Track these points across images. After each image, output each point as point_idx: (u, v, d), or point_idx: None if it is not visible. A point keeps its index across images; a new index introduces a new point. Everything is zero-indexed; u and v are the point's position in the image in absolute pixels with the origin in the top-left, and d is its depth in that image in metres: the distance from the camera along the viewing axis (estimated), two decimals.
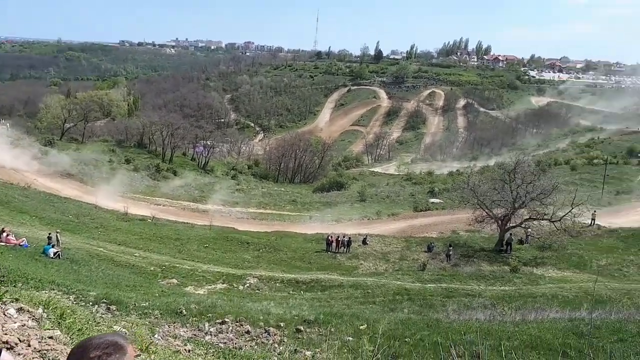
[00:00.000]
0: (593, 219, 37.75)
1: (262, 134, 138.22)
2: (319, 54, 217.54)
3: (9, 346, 5.31)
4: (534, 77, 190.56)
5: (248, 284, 25.43)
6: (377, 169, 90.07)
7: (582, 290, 23.35)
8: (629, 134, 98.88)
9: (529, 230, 35.05)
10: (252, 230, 38.61)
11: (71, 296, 15.25)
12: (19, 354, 5.25)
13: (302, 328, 14.64)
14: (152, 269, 25.87)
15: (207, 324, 14.47)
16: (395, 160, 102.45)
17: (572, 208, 33.02)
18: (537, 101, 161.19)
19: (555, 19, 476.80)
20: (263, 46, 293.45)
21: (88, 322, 8.20)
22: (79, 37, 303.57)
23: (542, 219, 33.58)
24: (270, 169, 79.82)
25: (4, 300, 6.97)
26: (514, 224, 34.07)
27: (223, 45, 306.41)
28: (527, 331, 13.56)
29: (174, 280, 24.52)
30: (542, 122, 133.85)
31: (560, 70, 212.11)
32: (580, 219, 34.19)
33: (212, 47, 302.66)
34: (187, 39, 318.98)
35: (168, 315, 15.00)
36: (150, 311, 14.98)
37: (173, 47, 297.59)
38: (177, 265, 27.46)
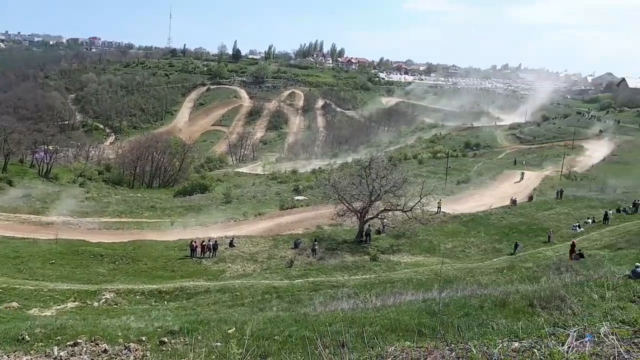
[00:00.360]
0: (439, 207, 41.80)
1: (114, 136, 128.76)
2: (173, 52, 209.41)
3: None
4: (383, 78, 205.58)
5: (104, 300, 23.35)
6: (242, 170, 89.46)
7: (433, 272, 25.62)
8: (465, 130, 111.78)
9: (385, 220, 37.65)
10: (106, 241, 35.41)
11: None
12: None
13: (166, 340, 13.73)
14: None
15: (55, 348, 12.85)
16: (260, 160, 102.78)
17: (421, 198, 36.21)
18: (387, 101, 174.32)
19: (400, 24, 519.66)
20: (111, 42, 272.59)
21: None
22: None
23: (396, 210, 36.35)
24: (125, 173, 74.27)
25: None
26: (372, 216, 36.25)
27: (64, 41, 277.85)
28: (387, 315, 14.25)
29: (14, 304, 21.62)
30: (392, 121, 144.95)
31: (406, 73, 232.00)
32: (428, 207, 37.66)
33: (51, 42, 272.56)
34: (19, 33, 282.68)
35: (7, 344, 13.03)
36: None
37: (2, 40, 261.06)
38: (17, 286, 24.17)
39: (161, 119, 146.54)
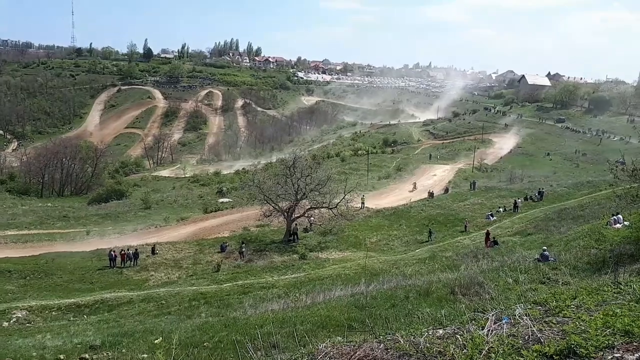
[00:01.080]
0: (363, 203, 42.90)
1: (16, 143, 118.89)
2: (79, 51, 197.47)
3: None
4: (302, 78, 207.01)
5: (15, 319, 21.55)
6: (161, 173, 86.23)
7: (360, 266, 26.24)
8: (383, 127, 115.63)
9: (312, 218, 38.06)
10: (13, 256, 32.73)
11: None
12: None
13: (87, 356, 12.97)
14: None
15: None
16: (180, 163, 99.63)
17: (345, 195, 36.97)
18: (308, 100, 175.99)
19: (316, 23, 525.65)
20: (6, 41, 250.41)
21: None
22: None
23: (322, 207, 36.82)
24: (32, 182, 68.93)
25: None
26: (299, 215, 36.48)
27: None
28: (318, 312, 14.44)
29: None
30: (314, 119, 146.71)
31: (323, 72, 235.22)
32: (353, 203, 38.50)
33: None
34: None
35: None
36: None
37: None
38: None
39: (69, 123, 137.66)
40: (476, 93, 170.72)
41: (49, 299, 24.74)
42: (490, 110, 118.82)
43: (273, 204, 36.13)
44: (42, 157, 71.18)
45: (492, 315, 4.87)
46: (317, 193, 36.23)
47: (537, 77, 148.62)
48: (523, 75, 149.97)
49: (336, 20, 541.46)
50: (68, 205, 54.27)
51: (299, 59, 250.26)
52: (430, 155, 76.99)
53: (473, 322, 5.01)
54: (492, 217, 36.99)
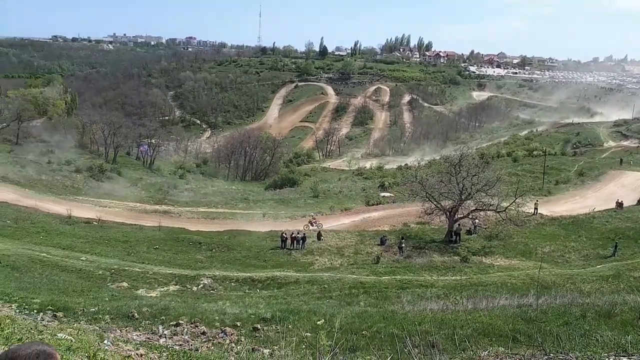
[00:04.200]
0: (536, 208, 39.53)
1: (210, 131, 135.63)
2: (263, 50, 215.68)
3: None
4: (474, 72, 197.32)
5: (202, 285, 24.89)
6: (329, 165, 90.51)
7: (528, 277, 24.40)
8: (564, 126, 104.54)
9: (476, 220, 36.32)
10: (203, 230, 37.78)
11: (13, 305, 14.45)
12: None
13: (259, 326, 14.48)
14: (100, 272, 24.86)
15: (161, 327, 14.07)
16: (346, 156, 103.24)
17: (516, 198, 34.49)
18: (478, 96, 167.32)
19: (490, 15, 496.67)
20: (206, 42, 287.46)
21: (29, 331, 7.71)
22: (5, 32, 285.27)
23: (488, 210, 34.85)
24: (220, 167, 78.45)
25: None
26: (462, 215, 35.14)
27: (164, 41, 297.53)
28: (479, 319, 13.92)
29: (125, 284, 23.70)
30: (484, 116, 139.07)
31: (498, 66, 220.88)
32: (524, 208, 35.75)
33: (152, 43, 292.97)
34: (125, 35, 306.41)
35: (119, 320, 14.50)
36: (100, 316, 14.46)
37: (110, 42, 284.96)
38: (127, 268, 26.50)
39: (253, 115, 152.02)
40: None
41: (230, 271, 27.99)
42: None
43: (435, 202, 35.41)
44: (230, 145, 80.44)
45: None
46: (484, 194, 34.44)
47: None
48: None
49: (512, 12, 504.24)
50: (249, 189, 60.46)
51: (471, 52, 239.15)
52: (622, 159, 67.11)
53: None
54: None
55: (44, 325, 10.02)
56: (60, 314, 14.08)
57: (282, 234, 34.14)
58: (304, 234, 34.26)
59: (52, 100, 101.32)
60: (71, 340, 7.28)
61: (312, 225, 38.56)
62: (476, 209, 35.21)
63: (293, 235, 33.78)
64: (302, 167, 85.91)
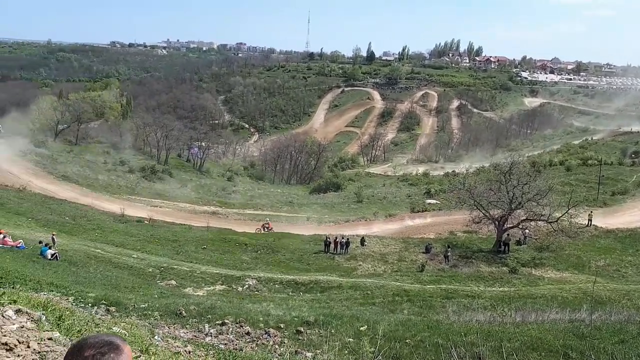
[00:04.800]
0: (590, 220, 37.86)
1: (257, 135, 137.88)
2: (311, 55, 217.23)
3: (8, 348, 5.22)
4: (526, 78, 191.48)
5: (247, 285, 25.30)
6: (373, 170, 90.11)
7: (581, 291, 23.40)
8: (622, 135, 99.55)
9: (527, 231, 35.16)
10: (249, 231, 38.48)
11: (70, 298, 15.16)
12: (18, 356, 5.16)
13: (302, 329, 14.57)
14: (150, 270, 25.74)
15: (207, 325, 14.39)
16: (391, 162, 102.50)
17: (569, 209, 33.15)
18: (530, 102, 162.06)
19: (543, 20, 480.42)
20: (255, 47, 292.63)
21: (87, 324, 8.09)
22: (68, 38, 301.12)
23: (539, 220, 33.66)
24: (266, 170, 79.72)
25: (2, 302, 6.87)
26: (511, 225, 34.12)
27: (215, 47, 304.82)
28: (528, 332, 13.53)
29: (173, 282, 24.40)
30: (536, 123, 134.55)
31: (551, 72, 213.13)
32: (577, 219, 34.31)
33: (204, 48, 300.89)
34: (178, 40, 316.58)
35: (168, 317, 14.91)
36: (149, 312, 14.91)
37: (164, 48, 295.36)
38: (176, 266, 27.32)
39: (299, 120, 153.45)
40: None
41: (274, 273, 28.35)
42: None
43: (484, 211, 34.55)
44: (276, 149, 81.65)
45: None
46: (535, 204, 33.30)
47: None
48: None
49: (566, 16, 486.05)
50: (293, 193, 61.14)
51: (523, 58, 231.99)
52: None
53: None
54: None
55: (99, 318, 10.48)
56: (112, 309, 14.64)
57: (326, 238, 34.25)
58: (348, 238, 34.23)
59: (109, 103, 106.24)
60: (125, 334, 7.59)
61: (264, 230, 39.54)
62: (526, 219, 34.08)
63: (337, 239, 33.81)
64: (346, 171, 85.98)
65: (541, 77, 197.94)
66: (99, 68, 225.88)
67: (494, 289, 25.18)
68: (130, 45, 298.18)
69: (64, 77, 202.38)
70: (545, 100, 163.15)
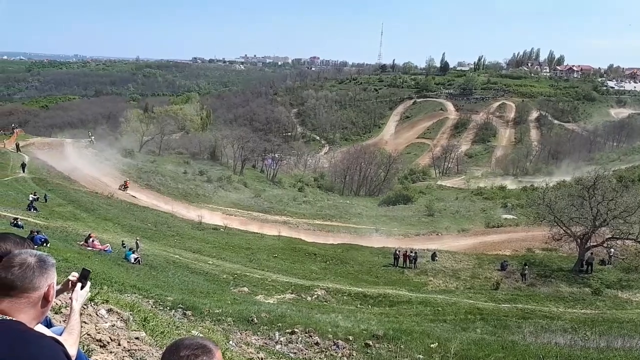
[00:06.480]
0: None
1: (328, 147, 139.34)
2: (383, 67, 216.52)
3: (102, 344, 5.72)
4: (612, 87, 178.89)
5: (316, 295, 25.55)
6: (445, 183, 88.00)
7: None
8: None
9: (612, 250, 32.81)
10: (318, 241, 38.92)
11: (150, 300, 16.07)
12: (110, 352, 5.63)
13: (370, 343, 14.50)
14: (224, 276, 26.72)
15: (277, 333, 14.68)
16: (465, 174, 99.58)
17: None
18: (617, 113, 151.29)
19: (629, 25, 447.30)
20: (328, 61, 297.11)
21: (169, 326, 8.62)
22: (154, 55, 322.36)
23: (627, 239, 31.39)
24: (336, 181, 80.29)
25: (96, 301, 7.49)
26: (595, 243, 32.02)
27: (289, 61, 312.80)
28: (614, 359, 12.64)
29: (245, 289, 25.13)
30: (623, 135, 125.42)
31: None
32: None
33: (279, 63, 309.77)
34: (255, 55, 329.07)
35: (240, 323, 15.37)
36: (223, 318, 15.41)
37: (242, 63, 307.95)
38: (248, 273, 28.17)
39: (369, 132, 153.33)
40: None
41: (342, 284, 28.41)
42: None
43: (565, 228, 32.67)
44: (346, 161, 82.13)
45: None
46: (622, 221, 30.97)
47: None
48: None
49: None
50: (362, 204, 61.03)
51: (610, 66, 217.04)
52: None
53: None
54: None
55: (178, 321, 11.09)
56: (189, 312, 15.34)
57: (395, 251, 33.88)
58: (417, 252, 33.63)
59: (190, 116, 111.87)
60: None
61: (124, 189, 43.09)
62: (612, 237, 31.81)
63: (406, 253, 33.34)
64: (416, 184, 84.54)
65: (629, 86, 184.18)
66: (181, 83, 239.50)
67: (574, 310, 23.69)
68: (211, 60, 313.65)
69: (149, 91, 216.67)
70: (634, 111, 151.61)
